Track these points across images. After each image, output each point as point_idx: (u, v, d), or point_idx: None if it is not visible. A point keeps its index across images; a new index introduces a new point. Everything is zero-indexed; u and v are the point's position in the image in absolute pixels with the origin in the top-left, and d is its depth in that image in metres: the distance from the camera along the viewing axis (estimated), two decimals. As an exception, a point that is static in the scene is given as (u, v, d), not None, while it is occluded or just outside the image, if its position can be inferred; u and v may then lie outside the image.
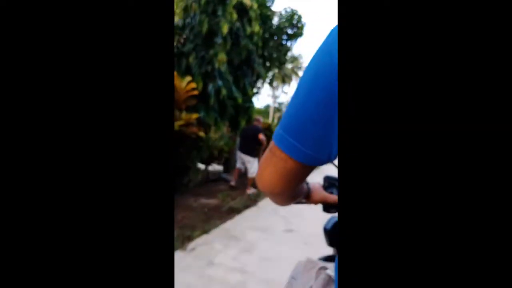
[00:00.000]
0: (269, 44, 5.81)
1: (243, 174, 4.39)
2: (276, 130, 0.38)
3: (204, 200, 3.64)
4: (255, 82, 5.88)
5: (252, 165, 4.24)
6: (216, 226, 2.75)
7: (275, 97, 25.96)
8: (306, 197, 0.64)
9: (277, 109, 25.04)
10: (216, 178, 5.14)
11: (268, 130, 6.55)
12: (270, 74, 6.63)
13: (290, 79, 26.88)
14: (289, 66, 27.17)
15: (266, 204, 3.67)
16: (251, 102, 5.14)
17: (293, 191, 0.46)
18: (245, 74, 5.04)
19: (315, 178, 0.70)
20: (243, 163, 4.28)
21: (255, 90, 5.91)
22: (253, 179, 4.34)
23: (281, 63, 6.52)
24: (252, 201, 3.75)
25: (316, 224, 1.11)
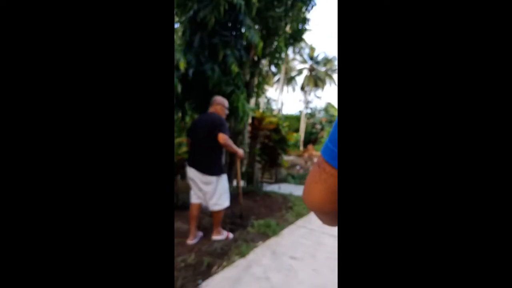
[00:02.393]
0: (272, 4, 3.92)
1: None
2: (325, 145, 0.35)
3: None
4: (254, 60, 4.00)
5: (214, 190, 2.18)
6: None
7: (307, 102, 23.80)
8: None
9: (310, 115, 22.80)
10: (183, 204, 3.31)
11: (275, 133, 4.58)
12: (280, 54, 4.66)
13: (323, 82, 24.66)
14: (322, 68, 25.04)
15: (231, 275, 1.70)
16: (237, 86, 3.25)
17: None
18: (227, 43, 3.21)
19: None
20: (200, 189, 2.21)
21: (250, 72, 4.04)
22: (221, 216, 2.32)
23: (295, 38, 4.57)
24: (203, 269, 1.81)
25: None
